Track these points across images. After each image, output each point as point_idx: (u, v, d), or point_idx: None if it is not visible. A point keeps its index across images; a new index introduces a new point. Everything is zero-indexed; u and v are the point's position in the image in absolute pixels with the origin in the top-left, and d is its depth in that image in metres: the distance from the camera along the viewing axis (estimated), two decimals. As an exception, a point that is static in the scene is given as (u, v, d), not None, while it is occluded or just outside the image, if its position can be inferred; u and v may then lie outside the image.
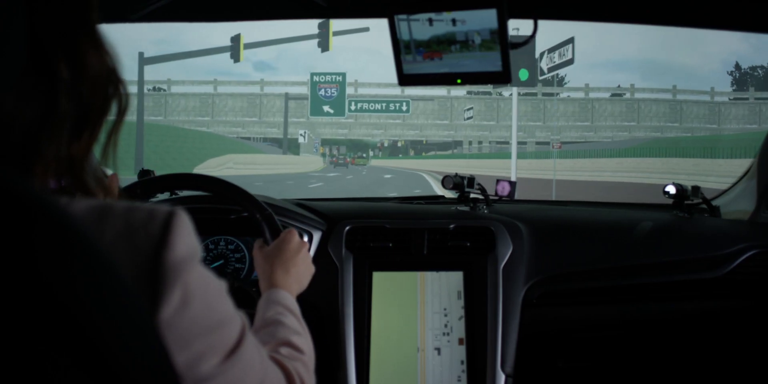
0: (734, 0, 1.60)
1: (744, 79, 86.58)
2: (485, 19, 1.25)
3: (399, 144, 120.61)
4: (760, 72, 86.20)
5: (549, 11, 1.76)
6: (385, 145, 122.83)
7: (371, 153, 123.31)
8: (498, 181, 2.06)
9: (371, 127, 72.70)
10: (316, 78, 47.86)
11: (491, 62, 1.33)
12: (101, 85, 0.68)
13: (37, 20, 0.62)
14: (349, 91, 56.41)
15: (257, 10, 1.73)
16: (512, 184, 2.03)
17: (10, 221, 0.52)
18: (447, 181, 1.97)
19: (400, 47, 1.40)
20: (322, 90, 47.63)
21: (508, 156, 54.36)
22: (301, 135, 51.86)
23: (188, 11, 1.71)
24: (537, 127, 64.82)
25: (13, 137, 0.62)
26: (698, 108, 63.45)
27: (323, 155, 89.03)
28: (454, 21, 1.24)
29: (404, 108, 52.69)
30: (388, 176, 36.76)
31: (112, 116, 0.71)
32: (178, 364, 0.64)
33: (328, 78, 47.95)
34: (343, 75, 48.24)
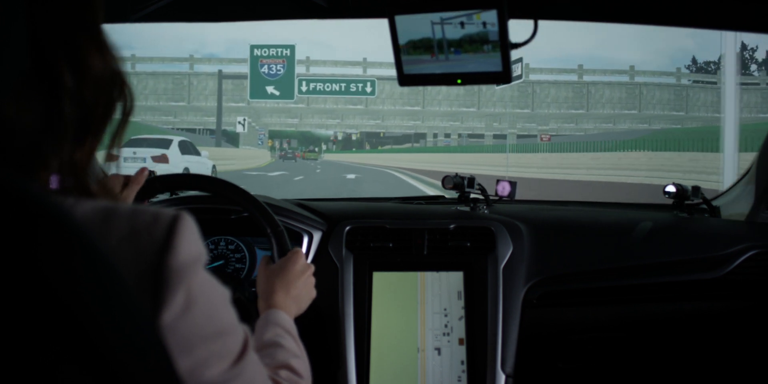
0: (734, 0, 1.78)
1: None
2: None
3: (354, 137, 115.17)
4: (713, 67, 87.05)
5: (549, 12, 1.89)
6: (339, 138, 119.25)
7: (324, 147, 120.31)
8: (498, 181, 2.18)
9: (326, 116, 62.87)
10: (257, 51, 38.60)
11: (492, 62, 1.50)
12: (105, 88, 0.71)
13: (38, 23, 0.65)
14: (300, 70, 45.79)
15: (257, 11, 1.87)
16: (512, 185, 2.18)
17: (14, 223, 0.55)
18: (447, 181, 2.09)
19: (399, 47, 1.56)
20: (265, 66, 38.50)
21: (481, 149, 48.75)
22: (239, 123, 41.89)
23: (188, 11, 1.84)
24: (524, 115, 56.32)
25: (17, 142, 0.65)
26: (705, 94, 56.21)
27: (272, 149, 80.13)
28: (484, 24, 1.37)
29: (368, 89, 42.25)
30: (352, 177, 29.64)
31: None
32: (181, 369, 0.67)
33: (273, 52, 38.64)
34: (292, 48, 38.94)
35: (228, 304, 0.74)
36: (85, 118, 0.69)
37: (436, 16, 1.41)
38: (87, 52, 0.69)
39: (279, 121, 67.00)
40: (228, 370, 0.72)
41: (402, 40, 1.48)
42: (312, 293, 1.38)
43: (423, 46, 1.46)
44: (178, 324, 0.67)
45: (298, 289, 1.32)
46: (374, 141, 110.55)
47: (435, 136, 72.17)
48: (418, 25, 1.45)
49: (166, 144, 18.62)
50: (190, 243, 0.68)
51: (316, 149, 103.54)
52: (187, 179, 1.64)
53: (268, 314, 1.23)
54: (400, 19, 1.46)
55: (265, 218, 1.55)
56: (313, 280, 1.39)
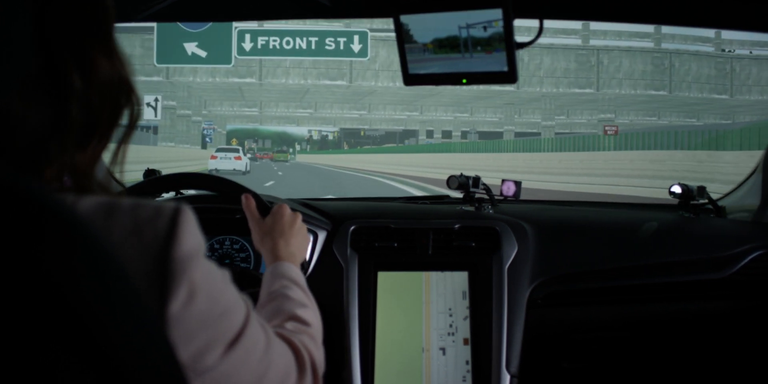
0: (735, 0, 1.80)
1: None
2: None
3: (330, 137, 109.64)
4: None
5: (555, 11, 1.91)
6: (314, 138, 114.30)
7: (298, 147, 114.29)
8: (503, 180, 2.20)
9: (294, 104, 46.43)
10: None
11: (497, 62, 1.52)
12: (112, 93, 0.72)
13: (48, 25, 0.66)
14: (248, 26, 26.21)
15: (262, 10, 1.89)
16: (517, 184, 2.21)
17: (18, 220, 0.56)
18: (452, 181, 2.11)
19: (405, 46, 1.59)
20: (182, 12, 23.73)
21: (498, 148, 34.96)
22: (149, 105, 27.65)
23: (192, 11, 1.86)
24: (585, 97, 38.12)
25: (21, 141, 0.67)
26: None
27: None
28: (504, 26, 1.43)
29: (356, 47, 24.79)
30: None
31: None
32: (184, 358, 0.69)
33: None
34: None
35: (228, 285, 0.76)
36: (91, 122, 0.71)
37: (461, 20, 1.44)
38: (96, 56, 0.70)
39: (232, 112, 50.89)
40: (226, 351, 0.74)
41: (426, 39, 1.51)
42: (308, 238, 1.46)
43: (449, 44, 1.49)
44: (183, 314, 0.69)
45: (296, 237, 1.37)
46: (353, 141, 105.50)
47: (429, 134, 57.17)
48: (442, 24, 1.48)
49: (237, 151, 35.42)
50: (193, 234, 0.70)
51: (290, 149, 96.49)
52: (168, 180, 1.70)
53: (274, 267, 1.25)
54: (422, 18, 1.49)
55: (230, 187, 1.60)
56: (304, 226, 1.43)
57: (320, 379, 0.97)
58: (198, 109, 43.45)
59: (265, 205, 1.52)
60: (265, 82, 35.95)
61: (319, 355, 1.01)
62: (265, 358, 0.81)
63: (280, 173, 34.08)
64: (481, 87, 33.49)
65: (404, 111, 49.87)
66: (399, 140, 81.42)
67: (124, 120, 0.77)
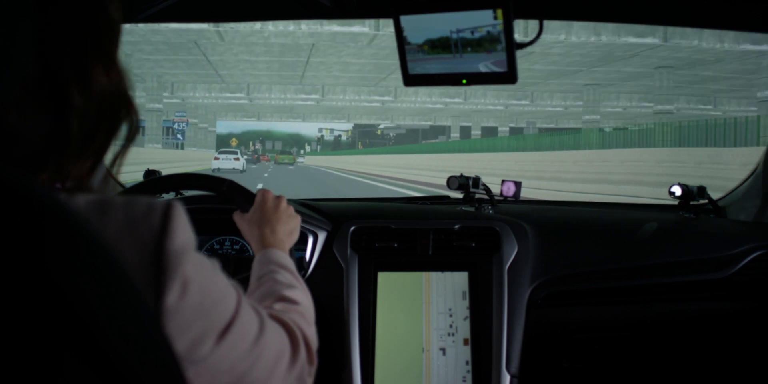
0: (735, 0, 1.80)
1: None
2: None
3: (343, 137, 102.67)
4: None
5: (555, 11, 1.92)
6: (326, 138, 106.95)
7: (308, 148, 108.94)
8: (503, 181, 2.21)
9: (291, 85, 34.86)
10: None
11: (498, 62, 1.52)
12: (110, 107, 0.72)
13: (48, 37, 0.66)
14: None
15: (262, 11, 1.89)
16: (517, 185, 2.22)
17: (18, 219, 0.56)
18: (452, 181, 2.12)
19: (404, 47, 1.59)
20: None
21: (592, 141, 24.18)
22: None
23: (193, 11, 1.86)
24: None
25: (17, 152, 0.67)
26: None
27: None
28: (488, 32, 1.43)
29: None
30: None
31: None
32: (180, 349, 0.70)
33: None
34: None
35: (218, 275, 0.77)
36: (89, 135, 0.71)
37: (452, 25, 1.45)
38: (95, 69, 0.70)
39: (212, 100, 38.74)
40: (217, 341, 0.75)
41: (419, 39, 1.51)
42: (297, 219, 1.42)
43: (441, 45, 1.49)
44: (178, 306, 0.69)
45: (282, 222, 1.36)
46: (368, 141, 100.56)
47: (465, 132, 43.06)
48: (434, 25, 1.48)
49: (236, 152, 41.37)
50: (185, 228, 0.71)
51: (301, 151, 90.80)
52: (169, 180, 1.69)
53: (262, 254, 1.26)
54: (414, 19, 1.49)
55: (207, 182, 1.59)
56: (290, 208, 1.42)
57: (314, 355, 0.98)
58: (156, 92, 32.11)
59: (249, 194, 1.51)
60: (228, 31, 21.44)
61: (311, 331, 1.01)
62: (259, 340, 0.82)
63: (259, 186, 20.46)
64: (606, 37, 21.94)
65: (442, 97, 36.16)
66: (420, 140, 74.29)
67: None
